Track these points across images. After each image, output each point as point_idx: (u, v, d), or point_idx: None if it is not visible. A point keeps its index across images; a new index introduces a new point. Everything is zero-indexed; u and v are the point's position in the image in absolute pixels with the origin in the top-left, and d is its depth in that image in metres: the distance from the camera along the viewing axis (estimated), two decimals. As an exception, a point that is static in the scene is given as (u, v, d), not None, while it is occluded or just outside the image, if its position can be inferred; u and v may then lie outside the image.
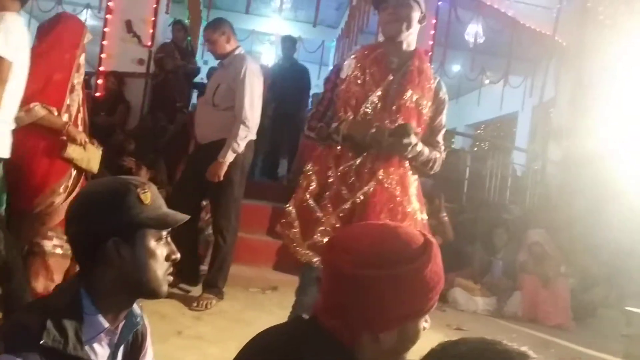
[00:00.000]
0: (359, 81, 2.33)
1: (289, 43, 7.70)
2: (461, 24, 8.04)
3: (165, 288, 1.38)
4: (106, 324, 1.32)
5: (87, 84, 8.65)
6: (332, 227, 2.24)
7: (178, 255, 1.41)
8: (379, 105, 2.31)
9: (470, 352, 0.86)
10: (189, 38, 8.19)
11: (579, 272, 5.72)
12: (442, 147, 2.55)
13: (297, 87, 7.47)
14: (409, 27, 2.36)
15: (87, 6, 9.48)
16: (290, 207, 2.44)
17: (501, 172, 7.64)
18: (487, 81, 9.82)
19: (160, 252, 1.36)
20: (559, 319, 5.17)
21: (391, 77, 2.32)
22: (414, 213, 2.36)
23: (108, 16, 7.17)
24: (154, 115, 6.54)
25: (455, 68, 10.61)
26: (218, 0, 8.19)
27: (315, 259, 2.25)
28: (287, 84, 7.28)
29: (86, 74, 9.35)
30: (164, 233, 1.38)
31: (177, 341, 3.18)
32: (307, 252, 2.27)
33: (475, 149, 11.21)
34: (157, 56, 6.98)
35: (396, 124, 2.28)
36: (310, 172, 2.45)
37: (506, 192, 7.65)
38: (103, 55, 7.08)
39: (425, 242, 1.22)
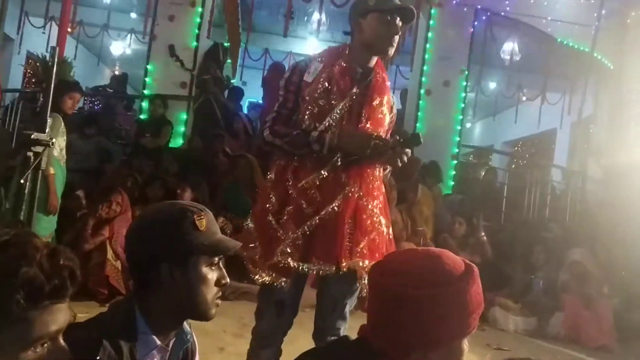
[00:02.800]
0: (324, 89, 2.16)
1: None
2: (497, 42, 8.06)
3: (213, 311, 1.43)
4: (158, 342, 1.39)
5: (130, 107, 9.04)
6: (294, 246, 2.09)
7: (228, 281, 1.45)
8: (345, 116, 2.16)
9: None
10: (229, 61, 8.44)
11: (623, 292, 5.61)
12: None
13: None
14: None
15: (132, 31, 9.83)
16: (249, 224, 2.27)
17: (540, 190, 7.58)
18: (524, 98, 9.77)
19: (211, 277, 1.40)
20: (602, 340, 5.07)
21: (355, 89, 2.18)
22: (382, 228, 2.24)
23: (152, 41, 7.44)
24: (197, 137, 6.73)
25: (492, 85, 10.58)
26: (257, 23, 8.39)
27: (278, 281, 2.09)
28: None
29: (131, 97, 9.73)
30: (216, 259, 1.42)
31: (220, 358, 3.25)
32: (268, 273, 2.10)
33: (513, 166, 11.10)
34: (201, 78, 7.20)
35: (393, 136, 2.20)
36: (269, 185, 2.27)
37: (545, 210, 7.57)
38: (147, 79, 7.34)
39: (466, 264, 1.31)
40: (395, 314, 1.23)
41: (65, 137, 4.47)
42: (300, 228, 2.10)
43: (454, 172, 7.68)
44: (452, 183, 7.63)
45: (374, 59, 2.25)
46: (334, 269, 2.08)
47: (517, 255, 6.04)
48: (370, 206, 2.19)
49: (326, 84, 2.16)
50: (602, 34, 7.17)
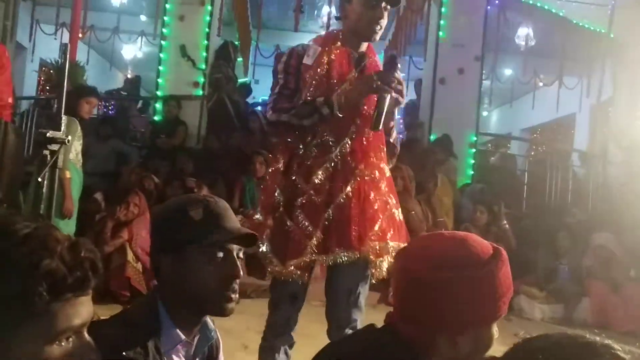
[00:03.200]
0: (324, 72, 2.18)
1: None
2: (511, 27, 7.94)
3: (228, 306, 1.37)
4: (182, 337, 1.37)
5: (146, 109, 9.07)
6: (320, 241, 2.08)
7: (236, 273, 1.38)
8: (343, 99, 2.14)
9: (553, 345, 0.88)
10: (240, 59, 8.43)
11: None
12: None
13: None
14: None
15: (142, 33, 9.87)
16: (260, 217, 2.25)
17: (561, 175, 7.46)
18: (540, 84, 9.63)
19: (211, 270, 1.35)
20: (631, 324, 4.98)
21: (354, 73, 2.19)
22: (393, 210, 2.24)
23: (162, 42, 7.45)
24: (213, 136, 6.73)
25: (507, 72, 10.45)
26: (267, 20, 8.38)
27: (300, 277, 2.09)
28: None
29: (145, 98, 9.76)
30: (220, 252, 1.37)
31: (244, 356, 3.23)
32: (292, 270, 2.08)
33: (533, 152, 10.97)
34: (214, 77, 7.19)
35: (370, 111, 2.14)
36: (272, 178, 2.26)
37: (567, 196, 7.46)
38: (160, 80, 7.35)
39: (494, 247, 1.28)
40: (421, 298, 1.20)
41: (81, 142, 4.50)
42: (318, 221, 2.09)
43: (472, 161, 7.58)
44: (472, 172, 7.53)
45: (364, 44, 2.27)
46: (357, 255, 2.07)
47: (541, 242, 5.97)
48: (380, 189, 2.19)
49: (326, 67, 2.18)
50: (618, 14, 7.04)
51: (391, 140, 2.33)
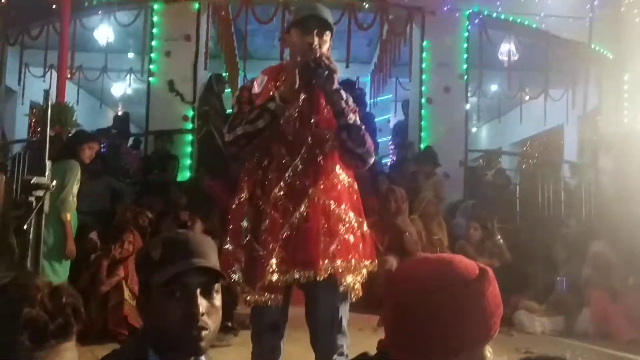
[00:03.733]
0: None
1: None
2: (493, 44, 8.05)
3: (197, 345, 1.31)
4: None
5: (137, 145, 9.10)
6: (280, 260, 2.10)
7: (195, 311, 1.30)
8: (297, 121, 2.23)
9: None
10: (229, 90, 8.50)
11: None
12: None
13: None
14: None
15: (130, 71, 9.95)
16: (229, 247, 2.24)
17: (553, 187, 7.50)
18: (527, 97, 9.73)
19: (172, 309, 1.31)
20: (632, 333, 4.96)
21: (304, 95, 2.24)
22: (353, 226, 2.25)
23: (150, 79, 7.52)
24: (204, 169, 6.75)
25: (494, 88, 10.56)
26: (253, 50, 8.47)
27: (271, 300, 2.11)
28: None
29: (135, 135, 9.78)
30: (177, 290, 1.31)
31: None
32: (261, 294, 2.10)
33: (524, 166, 11.02)
34: (202, 109, 7.25)
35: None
36: (238, 205, 2.28)
37: (560, 207, 7.48)
38: (149, 116, 7.40)
39: (481, 267, 1.28)
40: (410, 322, 1.20)
41: (78, 185, 4.55)
42: (278, 241, 2.12)
43: (463, 178, 7.62)
44: (463, 189, 7.57)
45: None
46: (312, 273, 2.08)
47: (538, 255, 5.97)
48: (335, 208, 2.21)
49: (273, 90, 2.24)
50: (597, 25, 7.16)
51: (346, 135, 2.24)
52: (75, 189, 4.44)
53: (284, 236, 2.13)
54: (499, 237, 5.73)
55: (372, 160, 2.35)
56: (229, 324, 4.38)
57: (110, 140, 9.09)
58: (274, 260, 2.09)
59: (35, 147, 6.72)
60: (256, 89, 2.29)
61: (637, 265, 5.53)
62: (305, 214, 2.15)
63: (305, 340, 2.31)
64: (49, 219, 3.00)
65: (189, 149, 7.32)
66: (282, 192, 2.18)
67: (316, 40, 2.19)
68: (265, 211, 2.18)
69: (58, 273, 4.34)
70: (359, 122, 2.24)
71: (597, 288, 5.28)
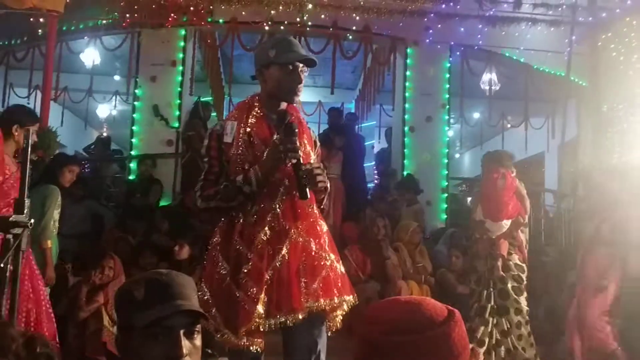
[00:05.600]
0: (245, 144, 2.22)
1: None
2: (474, 74, 8.21)
3: None
4: None
5: (122, 168, 9.08)
6: (264, 305, 2.09)
7: (178, 353, 1.32)
8: (260, 174, 2.18)
9: None
10: (214, 114, 8.54)
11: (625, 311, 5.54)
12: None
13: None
14: None
15: (116, 93, 9.96)
16: (206, 292, 2.21)
17: (534, 215, 7.57)
18: (508, 125, 9.89)
19: (154, 352, 1.32)
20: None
21: (277, 135, 2.22)
22: (333, 264, 2.26)
23: (135, 103, 7.54)
24: (187, 193, 6.74)
25: (476, 115, 10.72)
26: (238, 75, 8.54)
27: (254, 344, 2.10)
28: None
29: (118, 159, 9.72)
30: (160, 336, 1.33)
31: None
32: (245, 338, 2.09)
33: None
34: (186, 135, 7.27)
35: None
36: (216, 249, 2.26)
37: (541, 236, 7.56)
38: (134, 140, 7.41)
39: (449, 310, 1.32)
40: None
41: (59, 210, 4.49)
42: (262, 285, 2.10)
43: (445, 206, 7.69)
44: (445, 216, 7.63)
45: (284, 104, 2.33)
46: (297, 316, 2.09)
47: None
48: (315, 247, 2.22)
49: (246, 138, 2.23)
50: (575, 59, 7.32)
51: (322, 207, 2.40)
52: (56, 214, 4.38)
53: (266, 280, 2.12)
54: (480, 265, 5.74)
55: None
56: (209, 351, 4.36)
57: (91, 163, 9.07)
58: (260, 307, 2.08)
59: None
60: (228, 137, 2.25)
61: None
62: (287, 256, 2.16)
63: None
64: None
65: (172, 174, 7.32)
66: (265, 237, 2.17)
67: (303, 77, 2.24)
68: (246, 256, 2.15)
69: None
70: (319, 166, 2.25)
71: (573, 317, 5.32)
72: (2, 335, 0.90)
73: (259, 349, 2.13)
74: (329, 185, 2.29)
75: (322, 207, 2.41)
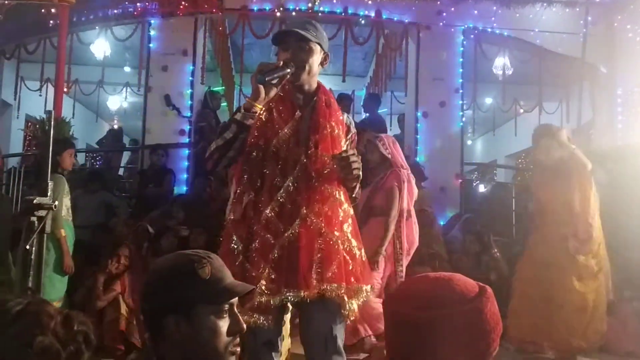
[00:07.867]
0: (265, 119, 2.21)
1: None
2: (488, 58, 8.12)
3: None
4: None
5: (134, 159, 9.10)
6: (270, 280, 2.07)
7: (242, 327, 1.41)
8: (292, 140, 2.18)
9: None
10: (225, 103, 8.52)
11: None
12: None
13: None
14: (309, 72, 2.25)
15: (127, 84, 9.97)
16: None
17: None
18: (521, 110, 9.79)
19: (221, 325, 1.37)
20: (630, 345, 4.96)
21: (299, 114, 2.21)
22: (353, 251, 2.21)
23: (147, 93, 7.53)
24: (200, 182, 6.74)
25: (488, 101, 10.63)
26: (249, 65, 8.51)
27: (261, 321, 2.08)
28: None
29: (131, 149, 9.77)
30: (226, 306, 1.39)
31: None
32: (250, 315, 2.05)
33: (519, 178, 11.07)
34: (199, 125, 7.26)
35: (310, 151, 2.19)
36: (229, 226, 2.24)
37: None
38: (146, 130, 7.41)
39: (480, 286, 1.30)
40: (411, 339, 1.21)
41: (69, 196, 4.51)
42: (268, 260, 2.09)
43: (460, 191, 7.64)
44: (460, 202, 7.58)
45: (314, 83, 2.30)
46: (302, 294, 2.06)
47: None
48: (335, 232, 2.17)
49: (266, 114, 2.20)
50: (591, 40, 7.23)
51: (353, 195, 2.35)
52: (66, 200, 4.38)
53: (274, 257, 2.10)
54: (496, 250, 5.73)
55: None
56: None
57: (105, 155, 9.10)
58: (263, 282, 2.06)
59: (32, 164, 6.71)
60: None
61: (632, 277, 5.56)
62: (297, 234, 2.12)
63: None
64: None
65: (185, 163, 7.33)
66: (272, 213, 2.14)
67: (288, 56, 2.19)
68: (256, 232, 2.14)
69: (58, 289, 4.32)
70: (354, 153, 2.20)
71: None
72: (41, 312, 0.89)
73: (266, 324, 2.09)
74: (361, 174, 2.23)
75: (354, 195, 2.34)
